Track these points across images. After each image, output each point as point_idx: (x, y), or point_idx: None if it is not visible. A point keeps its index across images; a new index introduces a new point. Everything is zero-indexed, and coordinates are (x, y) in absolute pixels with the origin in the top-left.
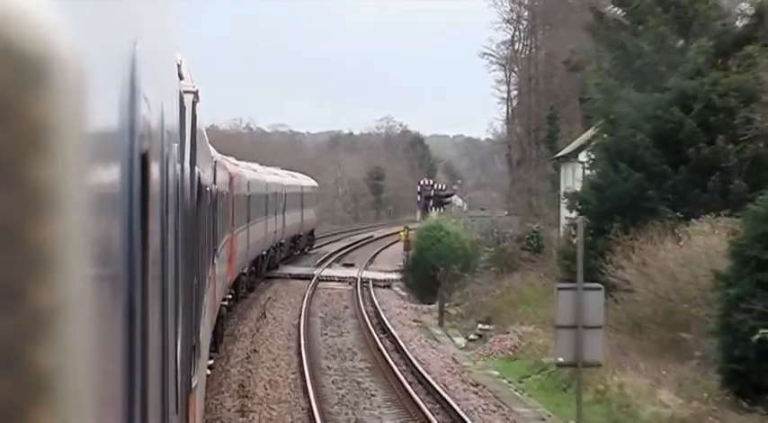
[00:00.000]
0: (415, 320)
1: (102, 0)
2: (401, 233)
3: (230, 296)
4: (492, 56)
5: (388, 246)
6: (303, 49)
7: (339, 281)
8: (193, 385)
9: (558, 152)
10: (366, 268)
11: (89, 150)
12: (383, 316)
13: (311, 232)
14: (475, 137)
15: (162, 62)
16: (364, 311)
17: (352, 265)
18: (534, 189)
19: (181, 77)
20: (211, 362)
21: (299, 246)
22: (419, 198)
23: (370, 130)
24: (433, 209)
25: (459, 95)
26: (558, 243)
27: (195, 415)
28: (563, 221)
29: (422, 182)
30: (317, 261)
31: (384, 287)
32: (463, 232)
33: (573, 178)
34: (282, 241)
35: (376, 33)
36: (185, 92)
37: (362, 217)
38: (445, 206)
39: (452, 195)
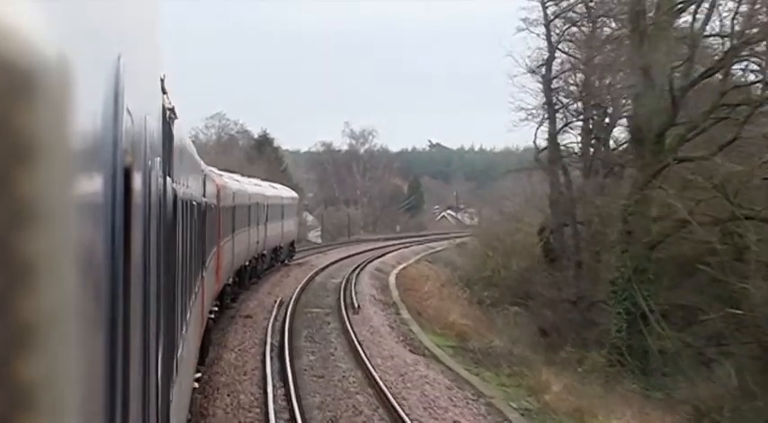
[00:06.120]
0: None
1: (86, 13)
2: None
3: (215, 308)
4: None
5: (343, 330)
6: None
7: None
8: (172, 400)
9: None
10: None
11: (73, 164)
12: None
13: (292, 244)
14: (328, 141)
15: (146, 77)
16: None
17: None
18: None
19: (164, 92)
20: (199, 375)
21: (279, 257)
22: None
23: (198, 131)
24: None
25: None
26: None
27: None
28: None
29: None
30: None
31: None
32: None
33: None
34: (264, 252)
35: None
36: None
37: None
38: None
39: None
